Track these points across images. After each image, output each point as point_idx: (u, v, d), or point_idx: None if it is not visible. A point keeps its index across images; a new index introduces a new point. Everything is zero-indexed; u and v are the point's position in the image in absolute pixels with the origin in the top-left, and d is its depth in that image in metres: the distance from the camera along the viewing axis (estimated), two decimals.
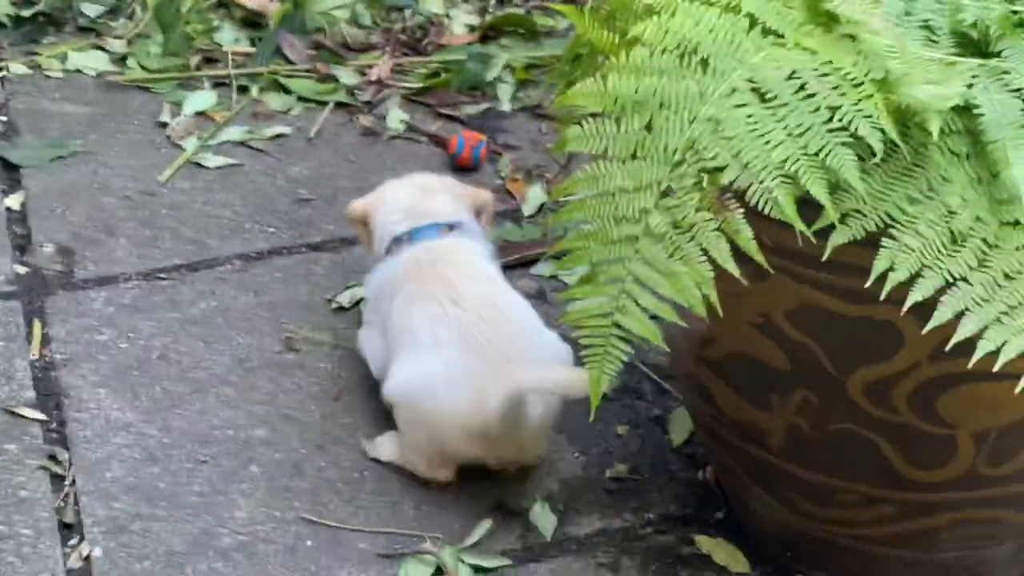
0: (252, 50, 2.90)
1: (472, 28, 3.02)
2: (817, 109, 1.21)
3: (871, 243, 1.31)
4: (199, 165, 2.57)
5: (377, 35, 2.97)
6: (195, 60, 2.86)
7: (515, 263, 2.33)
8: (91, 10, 3.01)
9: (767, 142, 1.20)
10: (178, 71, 2.82)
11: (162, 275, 2.28)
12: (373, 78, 2.79)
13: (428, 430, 1.86)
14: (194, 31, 2.93)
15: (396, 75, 2.84)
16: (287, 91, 2.79)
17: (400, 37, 2.96)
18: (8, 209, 2.41)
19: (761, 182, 1.18)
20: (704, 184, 1.18)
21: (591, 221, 1.21)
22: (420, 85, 2.83)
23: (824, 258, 1.28)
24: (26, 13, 2.97)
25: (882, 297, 1.25)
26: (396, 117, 2.73)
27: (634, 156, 1.20)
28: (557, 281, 2.31)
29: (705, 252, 1.18)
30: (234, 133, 2.66)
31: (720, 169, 1.19)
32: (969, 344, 1.31)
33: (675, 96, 1.22)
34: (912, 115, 1.24)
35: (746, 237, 1.18)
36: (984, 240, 1.27)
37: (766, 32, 1.28)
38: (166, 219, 2.42)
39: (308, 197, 2.51)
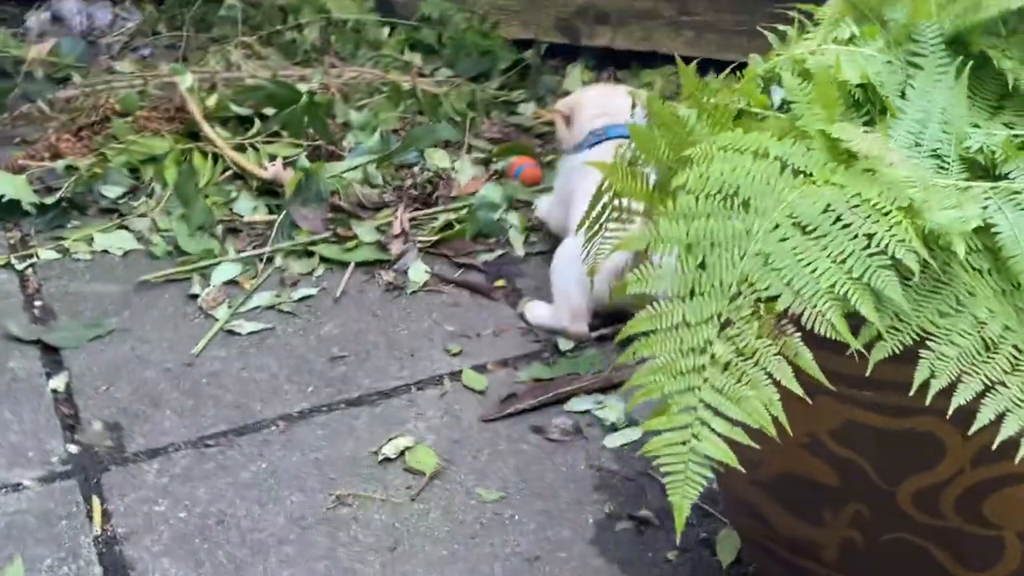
0: (271, 217, 3.01)
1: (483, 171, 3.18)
2: (855, 237, 1.32)
3: (907, 359, 1.41)
4: (233, 332, 2.66)
5: (390, 193, 3.10)
6: (218, 231, 2.97)
7: (549, 401, 2.42)
8: (111, 192, 3.14)
9: (814, 270, 1.31)
10: (202, 245, 2.92)
11: (210, 442, 2.36)
12: (396, 232, 2.91)
13: (580, 283, 2.51)
14: (214, 203, 3.05)
15: (412, 230, 2.96)
16: (309, 255, 2.90)
17: (412, 193, 3.09)
18: (54, 391, 2.50)
19: (814, 307, 1.29)
20: (761, 313, 1.28)
21: (659, 356, 1.30)
22: (435, 237, 2.94)
23: (867, 374, 1.37)
24: (49, 200, 3.09)
25: (927, 402, 1.34)
26: (417, 270, 2.84)
27: (692, 293, 1.30)
28: (591, 416, 2.39)
29: (769, 376, 1.27)
30: (263, 299, 2.76)
31: (774, 298, 1.29)
32: (1011, 447, 1.39)
33: (724, 236, 1.33)
34: (937, 238, 1.35)
35: (806, 359, 1.28)
36: (1015, 346, 1.36)
37: (796, 172, 1.39)
38: (207, 387, 2.50)
39: (341, 355, 2.60)
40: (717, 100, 1.52)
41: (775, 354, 1.27)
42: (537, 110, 3.50)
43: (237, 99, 3.37)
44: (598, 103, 2.83)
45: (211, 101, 3.37)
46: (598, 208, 1.90)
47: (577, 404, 2.43)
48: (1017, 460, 1.35)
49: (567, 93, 3.57)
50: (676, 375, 1.29)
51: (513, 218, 3.00)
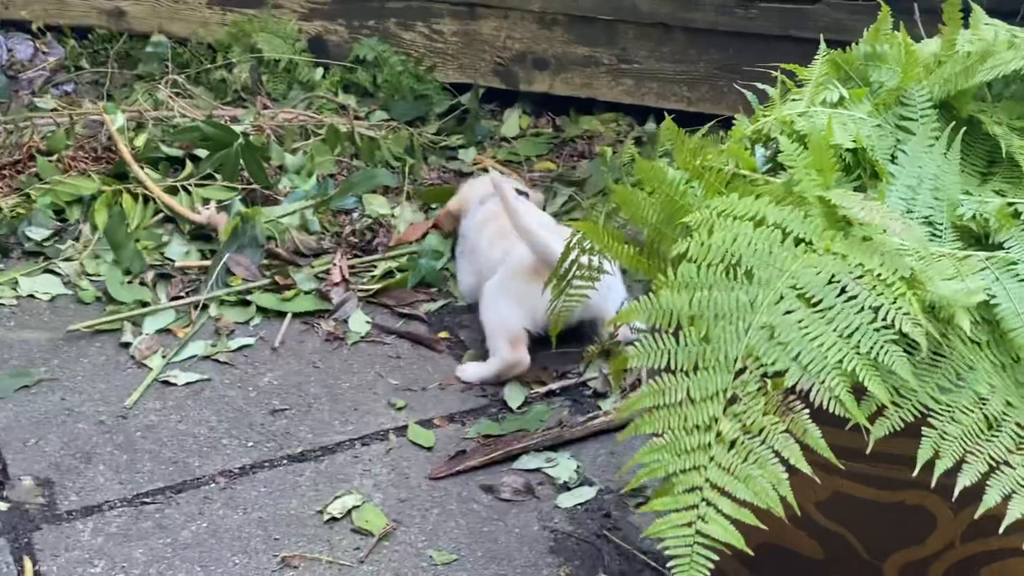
0: (204, 263, 2.92)
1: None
2: (861, 310, 1.28)
3: (899, 432, 1.37)
4: (168, 383, 2.56)
5: (328, 240, 3.02)
6: (149, 276, 2.87)
7: (499, 458, 2.36)
8: (36, 234, 3.02)
9: (821, 344, 1.27)
10: (133, 292, 2.82)
11: (147, 499, 2.26)
12: (335, 281, 2.83)
13: (512, 300, 2.55)
14: (144, 247, 2.95)
15: (351, 278, 2.88)
16: (245, 303, 2.81)
17: (351, 240, 3.02)
18: None
19: (822, 382, 1.24)
20: (768, 389, 1.24)
21: (662, 433, 1.25)
22: (376, 286, 2.87)
23: (868, 451, 1.33)
24: None
25: (933, 485, 1.31)
26: (358, 320, 2.76)
27: (696, 367, 1.25)
28: (542, 474, 2.34)
29: (777, 454, 1.23)
30: (198, 348, 2.66)
31: (781, 373, 1.24)
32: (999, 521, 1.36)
33: (727, 307, 1.29)
34: (938, 310, 1.32)
35: (814, 437, 1.23)
36: (1018, 424, 1.33)
37: (797, 241, 1.35)
38: (143, 441, 2.40)
39: (281, 407, 2.51)
40: (709, 162, 1.47)
41: (783, 431, 1.22)
42: (477, 156, 3.45)
43: (167, 139, 3.27)
44: (485, 187, 2.88)
45: (140, 141, 3.27)
46: (564, 265, 1.85)
47: (528, 462, 2.37)
48: None
49: (505, 139, 3.54)
50: (680, 453, 1.23)
51: (455, 267, 2.93)
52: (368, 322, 2.78)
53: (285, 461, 2.37)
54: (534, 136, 3.63)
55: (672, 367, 1.27)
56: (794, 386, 1.25)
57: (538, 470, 2.35)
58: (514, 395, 2.55)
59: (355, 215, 3.11)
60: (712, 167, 1.44)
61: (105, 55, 3.97)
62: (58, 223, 3.07)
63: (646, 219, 1.48)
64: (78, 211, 3.10)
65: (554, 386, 2.58)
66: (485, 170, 3.37)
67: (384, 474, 2.34)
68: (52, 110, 3.58)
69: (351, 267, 2.92)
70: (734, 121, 1.61)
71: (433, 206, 3.16)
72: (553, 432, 2.42)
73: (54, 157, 3.23)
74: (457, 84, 3.75)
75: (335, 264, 2.89)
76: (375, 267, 2.96)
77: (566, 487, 2.31)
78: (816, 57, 1.72)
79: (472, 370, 2.60)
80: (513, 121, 3.65)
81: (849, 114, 1.53)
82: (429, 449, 2.41)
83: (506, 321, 2.56)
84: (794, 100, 1.60)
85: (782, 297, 1.29)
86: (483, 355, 2.64)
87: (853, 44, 1.72)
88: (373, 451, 2.40)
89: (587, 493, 2.29)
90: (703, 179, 1.44)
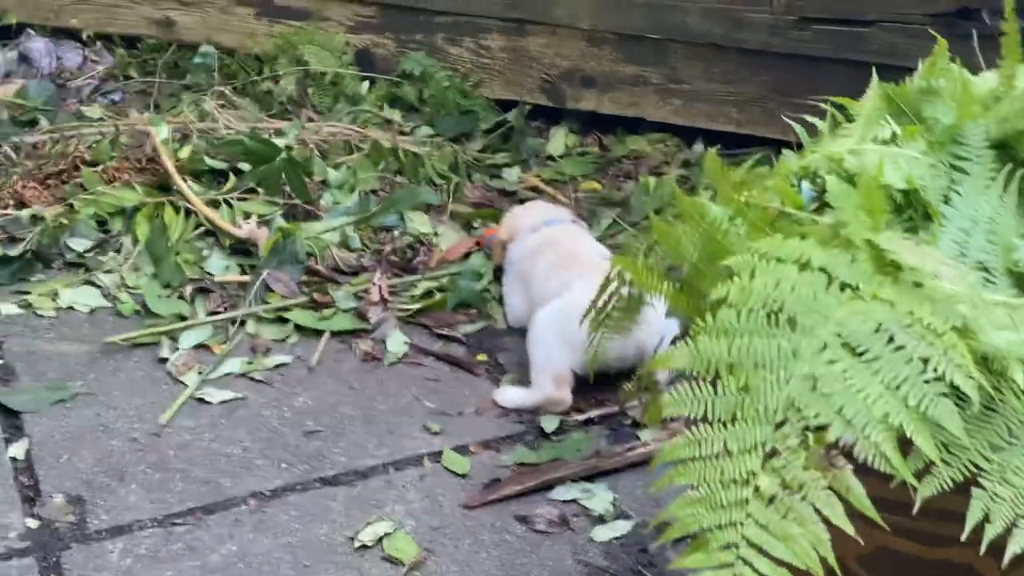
0: (243, 278, 2.89)
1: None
2: (910, 360, 1.23)
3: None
4: (203, 401, 2.54)
5: (368, 258, 2.99)
6: (188, 290, 2.85)
7: (535, 488, 2.31)
8: (78, 245, 3.00)
9: (866, 396, 1.21)
10: (171, 307, 2.79)
11: (178, 520, 2.23)
12: (374, 300, 2.79)
13: (563, 340, 2.47)
14: (184, 261, 2.93)
15: (391, 297, 2.85)
16: (283, 320, 2.78)
17: (391, 258, 2.98)
18: (12, 459, 2.36)
19: (867, 437, 1.19)
20: (810, 443, 1.19)
21: (698, 486, 1.20)
22: (415, 306, 2.83)
23: (915, 511, 1.28)
24: (13, 252, 2.95)
25: (982, 551, 1.25)
26: (396, 340, 2.73)
27: (735, 418, 1.21)
28: (578, 506, 2.29)
29: (818, 512, 1.18)
30: (234, 365, 2.64)
31: (824, 427, 1.19)
32: None
33: (768, 356, 1.24)
34: (992, 362, 1.26)
35: (858, 495, 1.18)
36: None
37: (843, 286, 1.30)
38: (175, 460, 2.38)
39: (315, 429, 2.48)
40: (753, 199, 1.42)
41: (824, 488, 1.17)
42: (522, 175, 3.41)
43: (212, 152, 3.25)
44: (537, 214, 2.88)
45: (184, 153, 3.25)
46: (604, 297, 1.81)
47: (563, 492, 2.33)
48: None
49: (551, 157, 3.50)
50: (716, 508, 1.18)
51: (496, 289, 2.89)
52: (406, 343, 2.74)
53: (317, 484, 2.34)
54: (580, 155, 3.58)
55: (709, 417, 1.22)
56: (837, 440, 1.20)
57: (574, 501, 2.30)
58: (549, 420, 2.50)
59: (396, 233, 3.08)
60: (756, 204, 1.39)
61: (154, 64, 3.97)
62: (100, 234, 3.05)
63: (686, 256, 1.43)
64: (120, 222, 3.08)
65: (592, 414, 2.53)
66: (532, 190, 3.33)
67: (417, 501, 2.30)
68: (98, 119, 3.57)
69: (391, 286, 2.89)
70: (781, 153, 1.56)
71: (475, 225, 3.12)
72: (590, 462, 2.37)
73: (98, 167, 3.22)
74: (503, 100, 3.71)
75: (374, 283, 2.85)
76: (415, 287, 2.92)
77: (602, 520, 2.26)
78: (868, 87, 1.66)
79: (511, 394, 2.56)
80: (559, 139, 3.60)
81: (901, 152, 1.47)
82: (463, 476, 2.37)
83: (554, 360, 2.52)
84: (844, 136, 1.55)
85: (826, 346, 1.24)
86: (522, 379, 2.60)
87: (908, 77, 1.66)
88: (407, 476, 2.36)
89: (623, 527, 2.24)
90: (746, 217, 1.39)
